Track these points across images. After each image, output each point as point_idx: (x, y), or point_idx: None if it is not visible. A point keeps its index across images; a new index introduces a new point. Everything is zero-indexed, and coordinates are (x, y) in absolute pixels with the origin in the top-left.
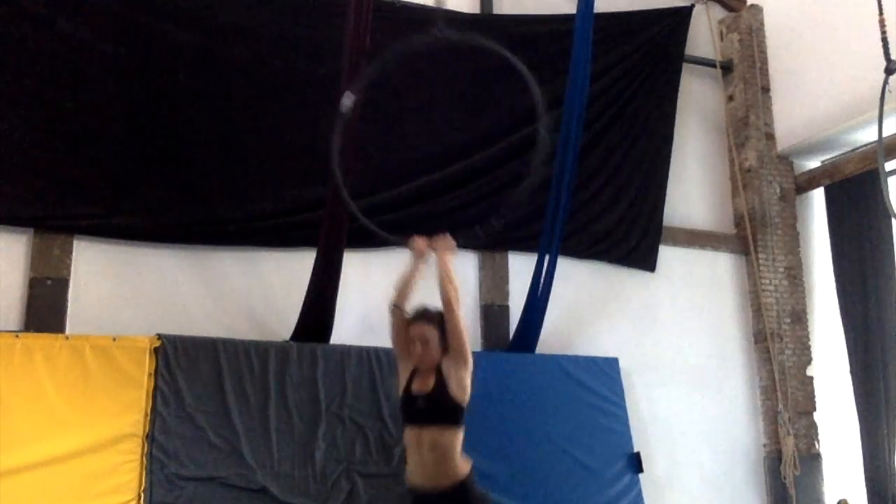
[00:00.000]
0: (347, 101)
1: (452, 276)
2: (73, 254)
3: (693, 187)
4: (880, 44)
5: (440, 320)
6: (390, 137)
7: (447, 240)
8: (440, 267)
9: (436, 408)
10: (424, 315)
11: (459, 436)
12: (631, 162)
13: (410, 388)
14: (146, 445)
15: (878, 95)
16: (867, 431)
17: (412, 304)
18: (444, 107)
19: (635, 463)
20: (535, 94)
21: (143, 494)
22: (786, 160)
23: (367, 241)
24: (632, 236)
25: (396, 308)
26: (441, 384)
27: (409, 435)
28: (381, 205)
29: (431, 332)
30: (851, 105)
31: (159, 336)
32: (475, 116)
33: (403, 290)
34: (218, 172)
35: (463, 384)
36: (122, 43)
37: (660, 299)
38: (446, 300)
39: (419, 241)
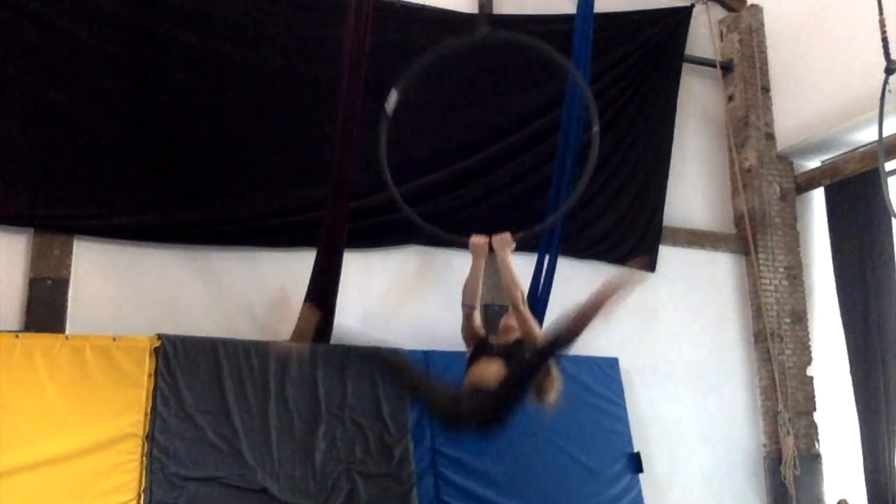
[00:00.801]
0: (392, 99)
1: (516, 279)
2: (73, 254)
3: (693, 187)
4: (880, 44)
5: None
6: (391, 138)
7: (505, 237)
8: (502, 268)
9: (509, 353)
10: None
11: None
12: (631, 162)
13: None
14: (146, 445)
15: (878, 95)
16: (867, 431)
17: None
18: (445, 107)
19: (635, 463)
20: (586, 93)
21: (143, 494)
22: (786, 160)
23: (368, 241)
24: (632, 236)
25: (468, 307)
26: (519, 345)
27: (478, 365)
28: (381, 205)
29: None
30: (851, 105)
31: (159, 336)
32: (476, 117)
33: (472, 289)
34: (218, 172)
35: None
36: (122, 43)
37: (660, 299)
38: (513, 302)
39: (478, 239)
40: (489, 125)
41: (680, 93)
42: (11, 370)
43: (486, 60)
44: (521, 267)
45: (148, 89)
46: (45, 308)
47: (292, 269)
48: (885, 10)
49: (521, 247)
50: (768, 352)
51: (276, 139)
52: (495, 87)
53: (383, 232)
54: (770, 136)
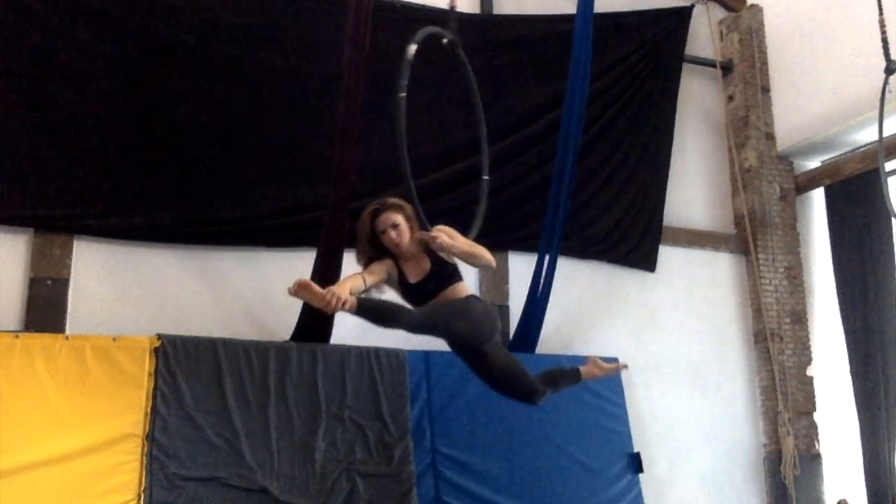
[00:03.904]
0: (411, 48)
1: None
2: (73, 254)
3: (693, 187)
4: (880, 44)
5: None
6: (390, 138)
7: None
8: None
9: (441, 280)
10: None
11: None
12: (631, 162)
13: (407, 280)
14: (146, 445)
15: (878, 95)
16: (867, 431)
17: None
18: (444, 107)
19: (635, 463)
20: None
21: (143, 494)
22: (786, 160)
23: None
24: (632, 236)
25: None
26: (435, 261)
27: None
28: None
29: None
30: (851, 105)
31: (159, 336)
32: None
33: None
34: (218, 172)
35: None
36: (121, 43)
37: (660, 299)
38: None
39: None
40: (489, 125)
41: (680, 93)
42: (11, 370)
43: (487, 60)
44: (522, 267)
45: (148, 89)
46: (45, 308)
47: (292, 269)
48: (885, 10)
49: (520, 247)
50: (768, 352)
51: (277, 139)
52: (495, 88)
53: None
54: (770, 136)
